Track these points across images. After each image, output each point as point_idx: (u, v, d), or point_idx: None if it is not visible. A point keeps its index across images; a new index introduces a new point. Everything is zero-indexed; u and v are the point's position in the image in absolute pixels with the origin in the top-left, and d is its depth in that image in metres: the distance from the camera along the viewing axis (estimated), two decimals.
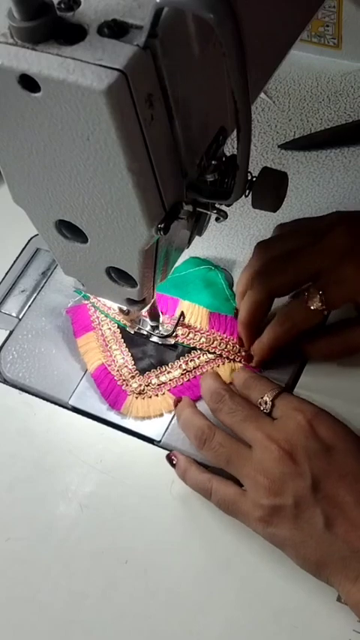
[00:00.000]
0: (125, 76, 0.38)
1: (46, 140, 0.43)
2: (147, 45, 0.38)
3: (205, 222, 0.56)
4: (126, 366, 0.68)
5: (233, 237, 0.76)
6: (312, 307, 0.61)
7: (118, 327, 0.70)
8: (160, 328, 0.68)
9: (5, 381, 0.70)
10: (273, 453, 0.56)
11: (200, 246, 0.74)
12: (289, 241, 0.64)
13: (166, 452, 0.63)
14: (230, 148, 0.47)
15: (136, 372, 0.68)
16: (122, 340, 0.69)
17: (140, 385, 0.67)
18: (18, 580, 0.61)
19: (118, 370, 0.68)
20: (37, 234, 0.66)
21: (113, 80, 0.37)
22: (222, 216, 0.51)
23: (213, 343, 0.68)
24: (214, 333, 0.68)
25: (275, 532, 0.55)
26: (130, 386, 0.67)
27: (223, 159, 0.49)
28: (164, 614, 0.58)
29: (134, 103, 0.39)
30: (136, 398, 0.66)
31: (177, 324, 0.68)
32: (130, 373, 0.67)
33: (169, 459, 0.62)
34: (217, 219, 0.52)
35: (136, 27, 0.39)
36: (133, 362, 0.68)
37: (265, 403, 0.60)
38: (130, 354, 0.68)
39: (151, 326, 0.68)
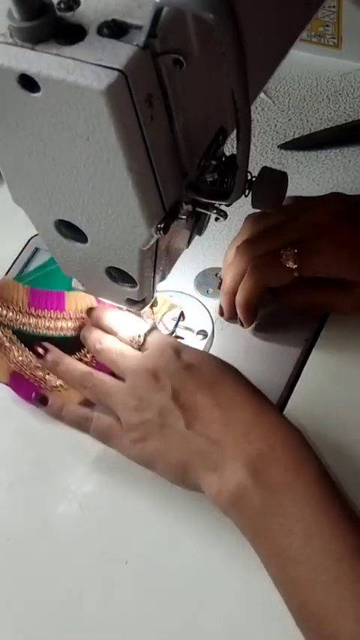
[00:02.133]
0: (125, 76, 0.38)
1: (46, 140, 0.43)
2: (147, 45, 0.38)
3: (205, 222, 0.56)
4: (37, 366, 0.67)
5: (233, 236, 0.75)
6: (286, 264, 0.63)
7: (6, 329, 0.69)
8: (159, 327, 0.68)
9: None
10: (140, 376, 0.60)
11: (200, 246, 0.74)
12: (277, 215, 0.66)
13: None
14: (230, 147, 0.47)
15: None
16: (19, 341, 0.69)
17: (57, 380, 0.67)
18: (18, 580, 0.61)
19: (31, 372, 0.67)
20: (37, 234, 0.66)
21: (113, 80, 0.37)
22: (222, 216, 0.51)
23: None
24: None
25: (144, 447, 0.59)
26: (50, 383, 0.67)
27: (223, 159, 0.49)
28: (164, 614, 0.58)
29: (134, 103, 0.39)
30: (61, 392, 0.67)
31: (176, 324, 0.68)
32: (43, 372, 0.67)
33: (35, 398, 0.65)
34: (216, 219, 0.52)
35: (135, 27, 0.39)
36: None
37: (138, 337, 0.63)
38: (31, 354, 0.68)
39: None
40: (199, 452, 0.56)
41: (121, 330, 0.65)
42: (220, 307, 0.69)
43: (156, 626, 0.57)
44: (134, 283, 0.55)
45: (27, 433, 0.67)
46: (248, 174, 0.48)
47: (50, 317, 0.69)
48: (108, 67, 0.38)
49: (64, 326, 0.68)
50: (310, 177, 0.79)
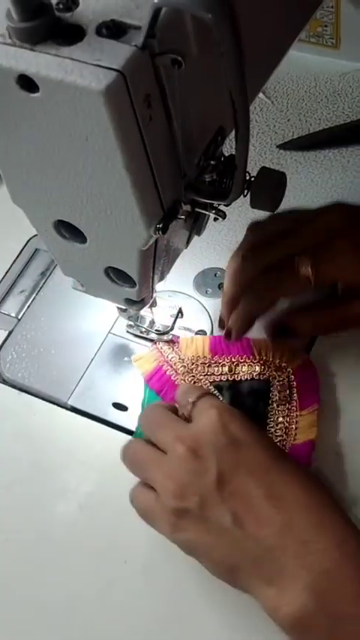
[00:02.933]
0: (123, 77, 0.38)
1: (45, 140, 0.43)
2: (145, 45, 0.38)
3: (204, 222, 0.57)
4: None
5: (232, 237, 0.76)
6: (300, 272, 0.59)
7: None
8: (157, 325, 0.69)
9: (4, 381, 0.71)
10: (179, 453, 0.52)
11: (199, 247, 0.74)
12: (283, 222, 0.64)
13: None
14: (229, 148, 0.47)
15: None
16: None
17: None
18: (17, 580, 0.61)
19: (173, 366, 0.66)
20: (36, 235, 0.66)
21: (111, 80, 0.37)
22: (220, 216, 0.51)
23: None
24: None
25: (185, 538, 0.52)
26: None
27: (222, 159, 0.49)
28: (164, 614, 0.58)
29: (132, 104, 0.39)
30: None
31: (174, 321, 0.68)
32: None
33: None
34: (215, 219, 0.52)
35: (134, 27, 0.39)
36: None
37: (189, 403, 0.56)
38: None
39: (149, 322, 0.69)
40: (251, 557, 0.49)
41: (179, 397, 0.58)
42: (220, 320, 0.65)
43: (156, 626, 0.57)
44: (133, 283, 0.55)
45: (26, 433, 0.67)
46: (247, 174, 0.48)
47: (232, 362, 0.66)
48: (106, 68, 0.38)
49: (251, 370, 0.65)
50: (309, 177, 0.79)
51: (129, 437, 0.65)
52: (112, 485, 0.63)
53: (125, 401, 0.68)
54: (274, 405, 0.63)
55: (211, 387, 0.64)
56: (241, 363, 0.65)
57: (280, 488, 0.50)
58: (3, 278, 0.77)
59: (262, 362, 0.65)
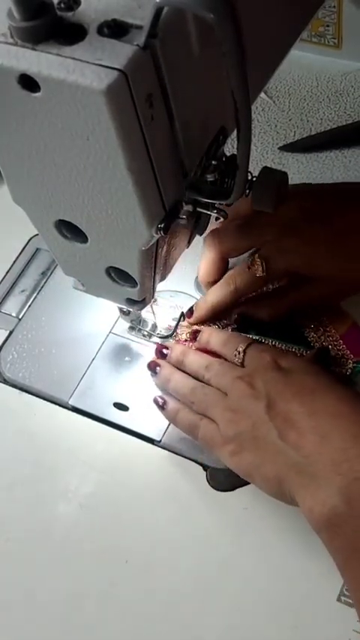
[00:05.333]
0: (125, 76, 0.38)
1: (46, 140, 0.43)
2: (147, 45, 0.38)
3: (206, 222, 0.57)
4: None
5: None
6: (255, 274, 0.64)
7: None
8: (159, 328, 0.68)
9: (5, 381, 0.70)
10: (237, 388, 0.58)
11: (200, 246, 0.74)
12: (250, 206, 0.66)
13: (167, 452, 0.63)
14: (230, 147, 0.47)
15: None
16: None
17: None
18: (18, 580, 0.61)
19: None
20: (37, 234, 0.66)
21: (113, 80, 0.37)
22: (222, 216, 0.51)
23: None
24: None
25: (241, 460, 0.56)
26: None
27: (223, 159, 0.49)
28: (164, 613, 0.58)
29: (134, 103, 0.39)
30: None
31: (177, 324, 0.68)
32: None
33: (156, 402, 0.64)
34: (217, 219, 0.52)
35: (136, 27, 0.39)
36: None
37: (239, 353, 0.61)
38: None
39: (152, 326, 0.69)
40: (292, 465, 0.53)
41: (223, 349, 0.63)
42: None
43: (156, 626, 0.57)
44: (134, 283, 0.55)
45: (27, 433, 0.67)
46: (248, 174, 0.48)
47: None
48: (108, 67, 0.38)
49: None
50: (311, 177, 0.79)
51: (130, 437, 0.65)
52: (113, 485, 0.63)
53: (126, 401, 0.68)
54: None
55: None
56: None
57: (323, 405, 0.54)
58: (4, 277, 0.77)
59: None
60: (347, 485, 0.50)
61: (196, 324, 0.68)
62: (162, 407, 0.64)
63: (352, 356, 0.66)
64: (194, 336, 0.67)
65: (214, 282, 0.68)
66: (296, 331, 0.68)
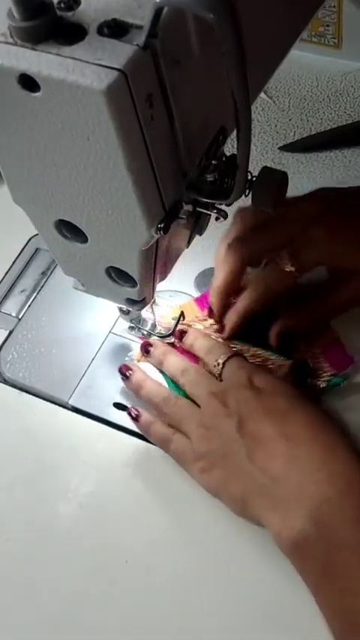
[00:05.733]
0: (125, 76, 0.38)
1: (46, 140, 0.43)
2: (147, 45, 0.38)
3: (205, 222, 0.56)
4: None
5: None
6: (284, 269, 0.62)
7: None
8: (159, 328, 0.68)
9: (5, 381, 0.70)
10: (211, 405, 0.58)
11: (200, 246, 0.74)
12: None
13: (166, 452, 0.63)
14: (230, 147, 0.47)
15: None
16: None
17: None
18: (18, 580, 0.61)
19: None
20: (37, 234, 0.66)
21: (113, 80, 0.37)
22: (222, 215, 0.51)
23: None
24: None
25: (210, 477, 0.57)
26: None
27: (223, 158, 0.49)
28: (164, 613, 0.58)
29: (134, 103, 0.39)
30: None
31: (177, 324, 0.68)
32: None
33: (129, 413, 0.64)
34: (217, 219, 0.52)
35: (136, 27, 0.39)
36: None
37: (218, 365, 0.61)
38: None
39: (151, 325, 0.68)
40: (259, 486, 0.53)
41: (206, 357, 0.63)
42: (210, 309, 0.68)
43: (156, 626, 0.57)
44: (134, 283, 0.55)
45: (27, 433, 0.67)
46: (248, 174, 0.48)
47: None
48: (108, 67, 0.38)
49: None
50: (311, 177, 0.79)
51: (130, 437, 0.65)
52: (113, 485, 0.63)
53: (126, 401, 0.67)
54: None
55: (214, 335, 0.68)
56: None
57: (293, 428, 0.54)
58: (4, 277, 0.77)
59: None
60: (315, 508, 0.50)
61: (229, 336, 0.66)
62: (135, 419, 0.64)
63: (330, 369, 0.65)
64: (180, 335, 0.67)
65: (234, 293, 0.66)
66: (259, 333, 0.67)
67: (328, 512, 0.50)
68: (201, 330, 0.67)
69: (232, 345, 0.66)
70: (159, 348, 0.66)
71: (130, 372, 0.65)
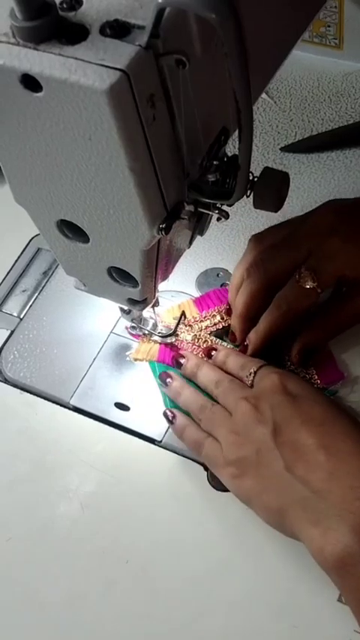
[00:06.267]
0: (127, 76, 0.38)
1: (48, 140, 0.43)
2: (149, 45, 0.38)
3: (207, 223, 0.56)
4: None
5: (235, 237, 0.76)
6: (306, 286, 0.62)
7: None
8: (160, 327, 0.69)
9: (6, 381, 0.70)
10: (242, 410, 0.57)
11: (201, 247, 0.74)
12: (281, 229, 0.66)
13: (167, 452, 0.63)
14: (232, 148, 0.47)
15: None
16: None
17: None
18: (18, 580, 0.61)
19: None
20: (39, 234, 0.66)
21: (115, 80, 0.37)
22: (223, 216, 0.51)
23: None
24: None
25: (242, 484, 0.56)
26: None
27: (225, 159, 0.49)
28: (164, 613, 0.58)
29: (136, 103, 0.39)
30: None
31: (178, 324, 0.68)
32: None
33: (166, 416, 0.64)
34: (218, 220, 0.52)
35: (138, 27, 0.39)
36: None
37: (250, 374, 0.60)
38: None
39: (153, 325, 0.69)
40: (299, 500, 0.51)
41: (240, 372, 0.62)
42: (232, 332, 0.67)
43: (156, 626, 0.57)
44: (136, 283, 0.55)
45: (28, 433, 0.67)
46: (250, 174, 0.48)
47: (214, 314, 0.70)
48: (110, 67, 0.38)
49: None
50: (312, 177, 0.79)
51: (131, 437, 0.65)
52: (114, 485, 0.63)
53: (127, 401, 0.68)
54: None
55: (213, 337, 0.68)
56: (228, 309, 0.69)
57: (332, 439, 0.52)
58: (5, 277, 0.77)
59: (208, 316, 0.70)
60: (358, 524, 0.49)
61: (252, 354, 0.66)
62: (171, 421, 0.64)
63: (319, 382, 0.65)
64: (208, 353, 0.66)
65: (256, 316, 0.65)
66: (273, 351, 0.66)
67: None
68: (231, 348, 0.67)
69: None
70: (192, 360, 0.66)
71: (169, 379, 0.65)
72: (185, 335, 0.69)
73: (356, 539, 0.48)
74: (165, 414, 0.64)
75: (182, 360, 0.66)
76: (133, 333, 0.70)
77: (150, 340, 0.69)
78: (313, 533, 0.50)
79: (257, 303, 0.65)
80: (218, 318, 0.69)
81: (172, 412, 0.64)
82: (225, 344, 0.68)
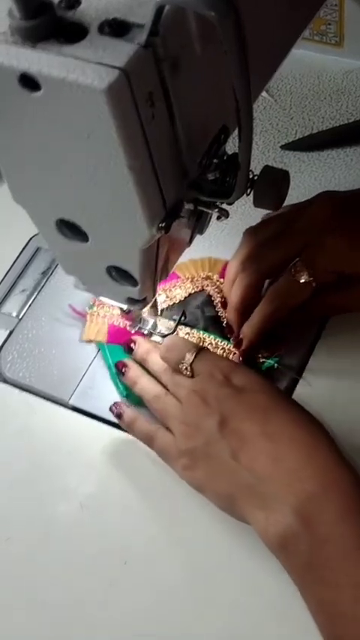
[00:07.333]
0: (126, 75, 0.37)
1: (47, 139, 0.43)
2: (148, 43, 0.38)
3: (207, 221, 0.56)
4: None
5: (234, 236, 0.75)
6: (301, 280, 0.62)
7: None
8: (159, 327, 0.68)
9: (5, 381, 0.70)
10: (191, 402, 0.58)
11: (201, 245, 0.74)
12: (276, 223, 0.65)
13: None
14: (232, 146, 0.47)
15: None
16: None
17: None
18: (18, 580, 0.60)
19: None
20: (38, 234, 0.66)
21: (114, 79, 0.37)
22: (223, 215, 0.51)
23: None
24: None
25: (193, 475, 0.57)
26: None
27: (225, 157, 0.49)
28: (164, 614, 0.57)
29: (135, 102, 0.39)
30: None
31: (177, 324, 0.68)
32: None
33: (111, 411, 0.64)
34: (218, 218, 0.52)
35: (137, 25, 0.39)
36: None
37: (185, 368, 0.61)
38: None
39: (152, 325, 0.68)
40: (245, 486, 0.53)
41: (168, 354, 0.62)
42: (229, 326, 0.68)
43: (156, 627, 0.57)
44: (135, 282, 0.55)
45: (27, 433, 0.67)
46: (250, 172, 0.48)
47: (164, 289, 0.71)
48: (109, 66, 0.37)
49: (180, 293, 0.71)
50: (312, 176, 0.79)
51: (130, 437, 0.65)
52: (113, 485, 0.63)
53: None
54: (220, 305, 0.70)
55: (195, 330, 0.69)
56: (172, 288, 0.71)
57: (275, 426, 0.54)
58: (4, 277, 0.77)
59: (190, 279, 0.72)
60: (300, 505, 0.50)
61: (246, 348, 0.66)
62: (118, 416, 0.64)
63: (263, 351, 0.66)
64: (128, 346, 0.67)
65: (252, 309, 0.65)
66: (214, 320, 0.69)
67: (312, 508, 0.50)
68: (146, 340, 0.67)
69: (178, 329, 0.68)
70: (142, 346, 0.66)
71: (125, 368, 0.65)
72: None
73: (297, 519, 0.50)
74: (111, 410, 0.64)
75: (133, 346, 0.66)
76: (79, 311, 0.71)
77: (97, 320, 0.70)
78: (259, 516, 0.52)
79: (252, 295, 0.65)
80: (163, 297, 0.70)
81: (117, 407, 0.64)
82: (212, 337, 0.68)
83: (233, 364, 0.60)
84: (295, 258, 0.63)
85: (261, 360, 0.66)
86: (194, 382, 0.60)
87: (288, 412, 0.55)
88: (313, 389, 0.65)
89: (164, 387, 0.63)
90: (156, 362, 0.64)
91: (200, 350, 0.61)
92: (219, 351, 0.67)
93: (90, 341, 0.70)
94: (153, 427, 0.62)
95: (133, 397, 0.66)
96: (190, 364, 0.60)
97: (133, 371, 0.65)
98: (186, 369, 0.60)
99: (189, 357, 0.61)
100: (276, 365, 0.65)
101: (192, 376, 0.60)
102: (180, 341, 0.64)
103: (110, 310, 0.70)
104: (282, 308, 0.64)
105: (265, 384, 0.58)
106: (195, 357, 0.60)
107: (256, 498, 0.53)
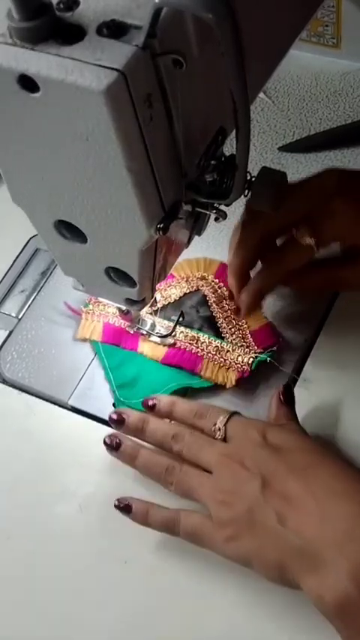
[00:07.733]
0: (124, 76, 0.38)
1: (45, 140, 0.43)
2: (146, 45, 0.38)
3: (205, 222, 0.56)
4: None
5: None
6: (303, 242, 0.60)
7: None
8: (158, 328, 0.68)
9: (4, 381, 0.70)
10: (228, 468, 0.55)
11: (199, 246, 0.74)
12: None
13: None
14: (229, 147, 0.47)
15: None
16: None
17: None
18: (18, 580, 0.61)
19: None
20: (37, 234, 0.66)
21: (112, 80, 0.37)
22: (221, 216, 0.51)
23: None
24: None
25: (240, 545, 0.53)
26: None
27: (223, 159, 0.49)
28: (164, 614, 0.58)
29: (133, 103, 0.39)
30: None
31: (176, 324, 0.68)
32: None
33: (117, 507, 0.59)
34: (216, 219, 0.52)
35: (135, 27, 0.39)
36: None
37: (219, 430, 0.58)
38: None
39: (151, 325, 0.69)
40: (295, 550, 0.50)
41: (200, 422, 0.60)
42: (230, 292, 0.67)
43: (156, 627, 0.57)
44: (133, 283, 0.55)
45: (26, 433, 0.67)
46: (248, 174, 0.48)
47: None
48: (107, 67, 0.38)
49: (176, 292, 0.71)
50: None
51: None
52: (113, 485, 0.63)
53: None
54: (214, 305, 0.69)
55: (189, 330, 0.68)
56: (167, 287, 0.71)
57: (319, 483, 0.51)
58: (3, 278, 0.77)
59: (185, 279, 0.72)
60: (354, 568, 0.48)
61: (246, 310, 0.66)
62: (127, 511, 0.59)
63: (255, 347, 0.66)
64: (151, 406, 0.62)
65: (248, 270, 0.64)
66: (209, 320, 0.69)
67: None
68: (172, 397, 0.64)
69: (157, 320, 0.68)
70: (133, 416, 0.61)
71: (117, 441, 0.61)
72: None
73: (354, 584, 0.47)
74: (118, 507, 0.59)
75: (124, 417, 0.61)
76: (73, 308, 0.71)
77: (92, 319, 0.70)
78: (312, 581, 0.49)
79: (253, 256, 0.64)
80: (159, 296, 0.69)
81: (121, 501, 0.59)
82: (206, 336, 0.67)
83: (267, 423, 0.58)
84: (296, 224, 0.61)
85: (254, 355, 0.66)
86: (225, 447, 0.57)
87: (330, 467, 0.53)
88: (312, 389, 0.65)
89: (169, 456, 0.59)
90: (157, 429, 0.61)
91: (231, 414, 0.59)
92: (212, 349, 0.66)
93: (84, 339, 0.70)
94: (171, 512, 0.58)
95: (126, 396, 0.66)
96: (224, 429, 0.57)
97: (128, 444, 0.61)
98: (219, 434, 0.58)
99: (222, 421, 0.58)
100: (269, 360, 0.65)
101: (224, 440, 0.58)
102: (210, 407, 0.61)
103: (105, 308, 0.70)
104: (281, 270, 0.63)
105: (302, 439, 0.56)
106: (227, 420, 0.58)
107: (307, 562, 0.50)
